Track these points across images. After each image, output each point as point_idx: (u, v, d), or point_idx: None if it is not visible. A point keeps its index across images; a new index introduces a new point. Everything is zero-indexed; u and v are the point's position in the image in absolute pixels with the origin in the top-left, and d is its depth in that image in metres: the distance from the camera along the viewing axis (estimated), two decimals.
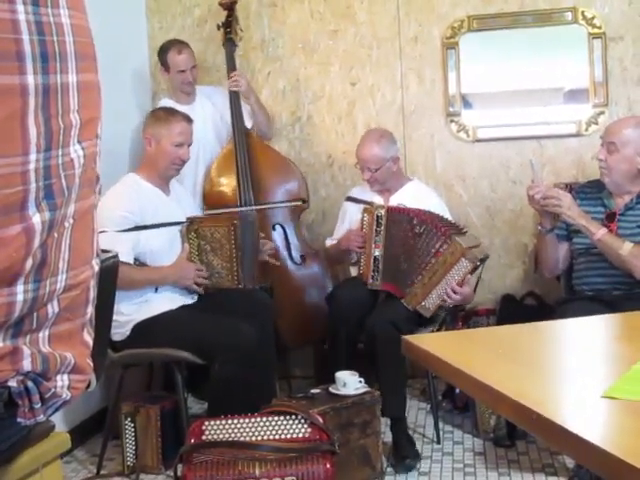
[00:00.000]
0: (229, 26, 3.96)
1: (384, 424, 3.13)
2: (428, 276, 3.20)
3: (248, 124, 3.96)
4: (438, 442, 3.34)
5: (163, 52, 3.94)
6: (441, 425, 3.45)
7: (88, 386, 1.08)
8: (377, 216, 3.35)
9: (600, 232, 3.00)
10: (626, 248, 2.96)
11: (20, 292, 0.82)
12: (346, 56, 4.20)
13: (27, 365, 0.85)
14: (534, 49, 4.00)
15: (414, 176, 3.88)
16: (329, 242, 3.75)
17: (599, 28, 3.91)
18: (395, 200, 3.50)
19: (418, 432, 3.45)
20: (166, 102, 3.93)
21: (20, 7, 0.79)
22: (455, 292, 3.15)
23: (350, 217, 3.63)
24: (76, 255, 0.90)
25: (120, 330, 3.04)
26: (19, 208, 0.80)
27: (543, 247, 3.32)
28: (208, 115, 3.99)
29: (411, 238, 3.28)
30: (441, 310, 3.28)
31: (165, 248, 3.16)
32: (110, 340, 3.00)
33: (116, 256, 1.98)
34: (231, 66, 3.93)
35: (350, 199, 3.67)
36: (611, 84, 3.94)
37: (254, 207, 3.75)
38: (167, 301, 3.14)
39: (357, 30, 4.18)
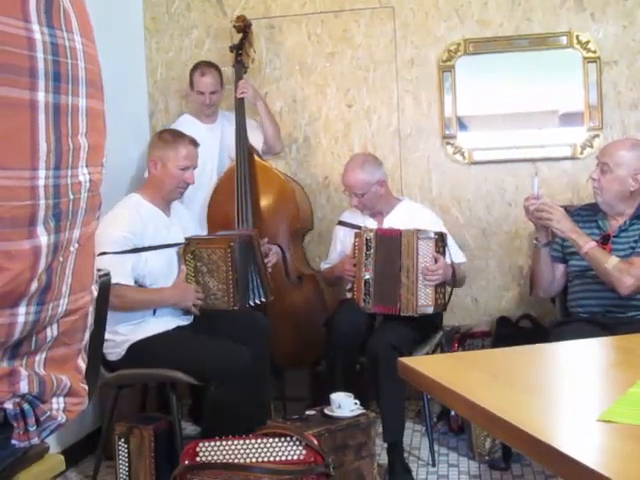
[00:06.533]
0: (241, 48, 4.00)
1: (380, 446, 3.11)
2: (405, 278, 3.25)
3: (258, 143, 3.96)
4: (433, 465, 3.32)
5: (193, 69, 4.03)
6: (436, 447, 3.43)
7: None
8: (366, 239, 3.35)
9: (588, 245, 3.01)
10: (612, 262, 2.97)
11: (22, 314, 0.83)
12: (343, 78, 4.22)
13: (24, 387, 0.85)
14: (529, 72, 4.03)
15: (404, 196, 3.89)
16: (324, 266, 3.75)
17: (594, 52, 3.94)
18: (389, 222, 3.50)
19: (413, 454, 3.44)
20: (187, 118, 3.99)
21: (36, 27, 0.81)
22: (432, 272, 3.21)
23: (342, 241, 3.63)
24: (77, 280, 0.91)
25: (116, 350, 3.03)
26: (27, 223, 0.81)
27: (538, 262, 3.31)
28: (226, 137, 4.03)
29: (396, 257, 3.30)
30: (441, 300, 3.30)
31: (164, 269, 3.15)
32: (105, 360, 3.00)
33: (108, 274, 1.99)
34: (239, 78, 3.97)
35: (341, 223, 3.68)
36: (606, 108, 3.97)
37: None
38: (163, 322, 3.13)
39: (354, 53, 4.21)
